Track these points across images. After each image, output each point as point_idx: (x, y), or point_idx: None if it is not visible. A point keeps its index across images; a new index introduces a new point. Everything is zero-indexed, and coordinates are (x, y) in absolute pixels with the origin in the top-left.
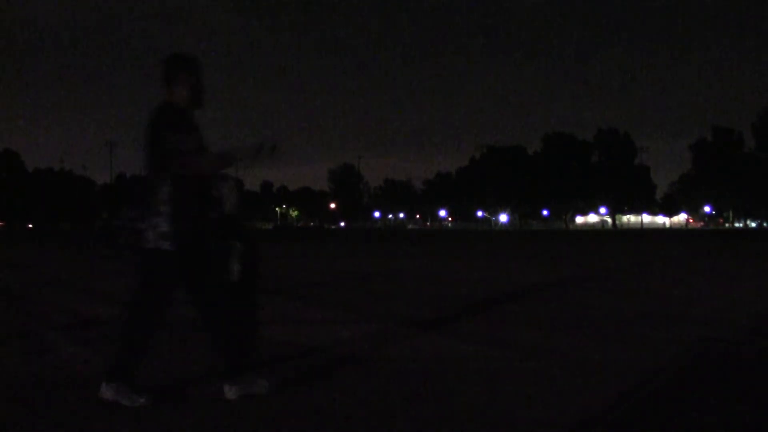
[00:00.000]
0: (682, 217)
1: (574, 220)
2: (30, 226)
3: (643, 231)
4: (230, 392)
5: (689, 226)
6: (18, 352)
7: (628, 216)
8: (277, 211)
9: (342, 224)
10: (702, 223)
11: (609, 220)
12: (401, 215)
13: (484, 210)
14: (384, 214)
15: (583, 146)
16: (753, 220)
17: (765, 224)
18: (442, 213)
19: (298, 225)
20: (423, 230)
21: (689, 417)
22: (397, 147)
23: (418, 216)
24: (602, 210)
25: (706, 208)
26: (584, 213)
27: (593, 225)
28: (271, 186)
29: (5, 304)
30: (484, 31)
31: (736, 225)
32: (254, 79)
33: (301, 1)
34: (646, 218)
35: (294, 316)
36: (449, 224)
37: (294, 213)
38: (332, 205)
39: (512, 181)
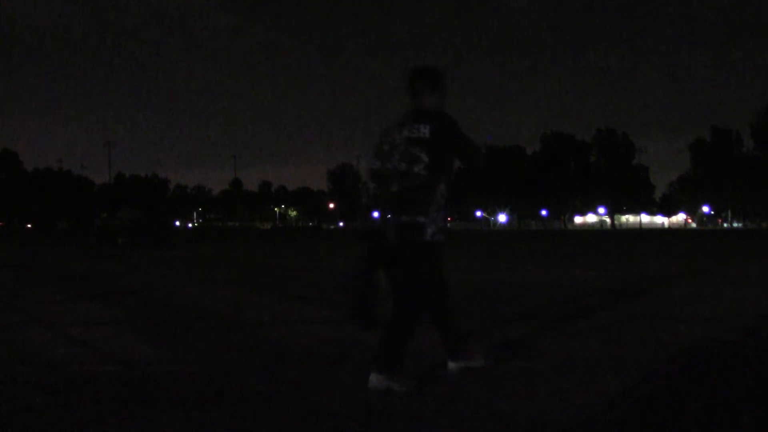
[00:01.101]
0: (680, 217)
1: (572, 220)
2: (29, 226)
3: (642, 231)
4: (454, 367)
5: (688, 226)
6: (16, 352)
7: (626, 216)
8: (275, 211)
9: (341, 224)
10: (694, 224)
11: (608, 220)
12: None
13: (482, 210)
14: None
15: (581, 146)
16: (752, 220)
17: (764, 224)
18: None
19: (298, 225)
20: None
21: (689, 417)
22: None
23: None
24: (601, 210)
25: (705, 208)
26: (583, 213)
27: (592, 225)
28: (270, 186)
29: (4, 304)
30: (483, 30)
31: (735, 225)
32: (254, 80)
33: (300, 3)
34: (645, 218)
35: (292, 316)
36: (447, 224)
37: (293, 213)
38: (331, 205)
39: (511, 181)
